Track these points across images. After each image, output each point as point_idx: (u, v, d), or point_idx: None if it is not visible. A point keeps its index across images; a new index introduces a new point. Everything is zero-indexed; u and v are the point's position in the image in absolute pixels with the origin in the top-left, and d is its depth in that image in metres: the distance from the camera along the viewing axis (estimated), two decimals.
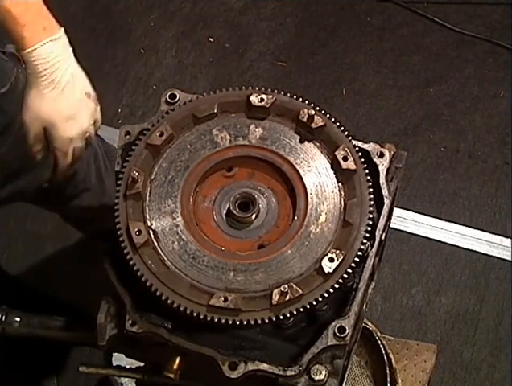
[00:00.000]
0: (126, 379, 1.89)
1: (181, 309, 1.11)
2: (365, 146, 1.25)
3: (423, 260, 2.51)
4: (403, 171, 1.28)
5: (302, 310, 1.11)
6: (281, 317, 1.11)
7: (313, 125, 1.23)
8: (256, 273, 1.14)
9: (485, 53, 2.87)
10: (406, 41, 2.90)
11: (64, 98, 1.31)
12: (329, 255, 1.13)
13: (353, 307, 1.16)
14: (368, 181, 1.20)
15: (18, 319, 1.36)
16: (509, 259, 2.49)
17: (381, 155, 1.24)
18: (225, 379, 1.13)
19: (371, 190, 1.20)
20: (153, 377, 1.29)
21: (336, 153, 1.21)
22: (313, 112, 1.22)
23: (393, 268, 2.48)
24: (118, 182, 1.20)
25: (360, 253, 1.15)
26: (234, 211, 1.19)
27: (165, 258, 1.15)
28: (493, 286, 2.46)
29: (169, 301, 1.12)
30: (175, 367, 1.18)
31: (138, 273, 1.14)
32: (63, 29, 1.35)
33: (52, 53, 1.30)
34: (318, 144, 1.23)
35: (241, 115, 1.26)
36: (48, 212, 2.56)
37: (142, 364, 1.33)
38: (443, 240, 2.54)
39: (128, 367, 1.33)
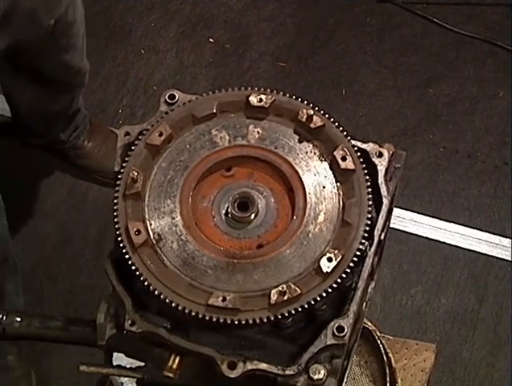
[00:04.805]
0: (126, 378, 1.89)
1: (180, 308, 1.12)
2: (364, 146, 1.25)
3: (422, 260, 2.52)
4: (403, 171, 1.28)
5: (300, 309, 1.12)
6: (279, 316, 1.11)
7: (312, 125, 1.23)
8: (255, 272, 1.14)
9: (485, 54, 2.88)
10: (406, 41, 2.91)
11: None
12: (328, 255, 1.14)
13: (351, 307, 1.16)
14: (367, 181, 1.20)
15: (18, 319, 1.36)
16: (509, 259, 2.50)
17: (380, 155, 1.25)
18: (224, 378, 1.13)
19: (370, 189, 1.20)
20: (153, 377, 1.30)
21: (335, 153, 1.21)
22: (312, 112, 1.23)
23: (392, 268, 2.49)
24: (118, 182, 1.20)
25: (358, 253, 1.16)
26: (233, 211, 1.20)
27: (164, 258, 1.16)
28: (493, 286, 2.47)
29: (168, 301, 1.12)
30: (174, 366, 1.18)
31: (137, 273, 1.14)
32: None
33: None
34: (317, 144, 1.24)
35: (241, 115, 1.27)
36: (49, 213, 2.58)
37: (142, 364, 1.34)
38: (442, 239, 2.55)
39: (128, 366, 1.33)
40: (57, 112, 2.46)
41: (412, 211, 2.59)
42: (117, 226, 1.17)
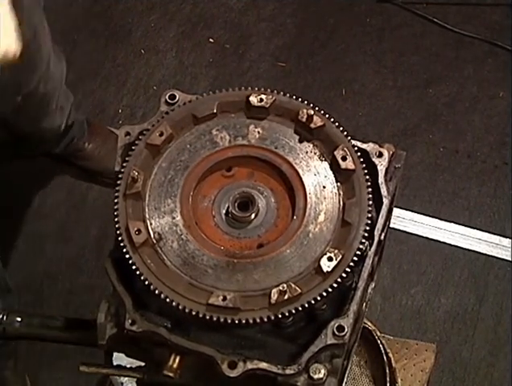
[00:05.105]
0: (127, 378, 1.90)
1: (180, 307, 1.12)
2: (364, 146, 1.25)
3: (422, 260, 2.52)
4: (403, 171, 1.28)
5: (301, 309, 1.12)
6: (280, 316, 1.12)
7: (312, 125, 1.23)
8: (255, 272, 1.15)
9: (485, 54, 2.88)
10: (406, 41, 2.90)
11: None
12: (328, 254, 1.14)
13: (352, 306, 1.16)
14: (367, 181, 1.21)
15: (18, 319, 1.37)
16: (509, 259, 2.50)
17: (380, 155, 1.25)
18: (224, 378, 1.14)
19: (370, 189, 1.20)
20: (153, 376, 1.30)
21: (335, 153, 1.21)
22: (312, 112, 1.23)
23: (392, 268, 2.49)
24: (118, 181, 1.21)
25: (358, 253, 1.16)
26: (233, 211, 1.20)
27: (164, 257, 1.16)
28: (493, 286, 2.47)
29: (168, 300, 1.13)
30: (174, 366, 1.18)
31: (138, 273, 1.14)
32: None
33: None
34: (317, 144, 1.24)
35: (241, 115, 1.27)
36: (49, 213, 2.58)
37: (142, 364, 1.34)
38: (442, 239, 2.55)
39: (128, 366, 1.33)
40: (44, 141, 2.44)
41: (412, 211, 2.58)
42: (117, 226, 1.17)
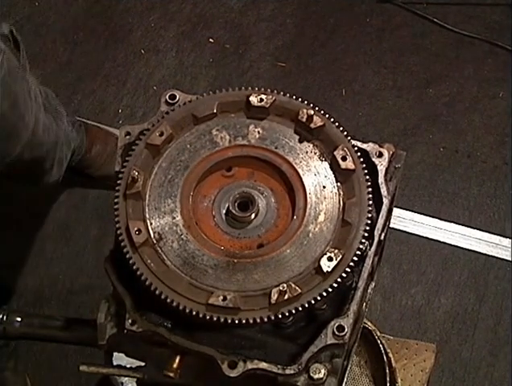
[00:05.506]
0: (127, 378, 1.90)
1: (180, 307, 1.12)
2: (364, 146, 1.26)
3: (422, 260, 2.52)
4: (403, 171, 1.28)
5: (301, 309, 1.12)
6: (280, 316, 1.12)
7: (312, 125, 1.23)
8: (255, 272, 1.15)
9: (485, 54, 2.88)
10: (406, 41, 2.90)
11: None
12: (328, 254, 1.14)
13: (352, 306, 1.16)
14: (367, 181, 1.21)
15: (19, 319, 1.37)
16: (509, 259, 2.50)
17: (380, 155, 1.25)
18: (224, 377, 1.14)
19: (370, 189, 1.20)
20: (153, 376, 1.30)
21: (335, 153, 1.21)
22: (312, 112, 1.23)
23: (392, 268, 2.49)
24: (118, 181, 1.21)
25: (359, 253, 1.16)
26: (234, 211, 1.20)
27: (164, 257, 1.16)
28: (492, 286, 2.47)
29: (168, 300, 1.13)
30: (174, 366, 1.18)
31: (138, 272, 1.14)
32: None
33: None
34: (317, 144, 1.24)
35: (241, 115, 1.27)
36: (49, 213, 2.57)
37: (142, 364, 1.34)
38: (442, 239, 2.55)
39: (128, 366, 1.33)
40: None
41: (412, 211, 2.58)
42: (117, 225, 1.17)
